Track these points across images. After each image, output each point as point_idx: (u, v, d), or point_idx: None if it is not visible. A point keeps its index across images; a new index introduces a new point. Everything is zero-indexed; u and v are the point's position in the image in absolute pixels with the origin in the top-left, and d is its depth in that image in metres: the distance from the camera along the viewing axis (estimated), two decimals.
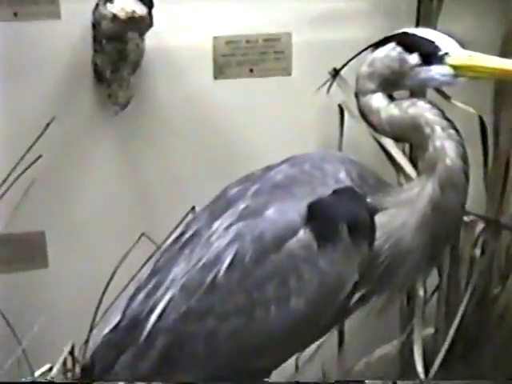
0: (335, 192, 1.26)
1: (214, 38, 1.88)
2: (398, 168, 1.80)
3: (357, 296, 1.29)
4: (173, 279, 1.27)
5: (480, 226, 1.87)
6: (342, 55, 1.76)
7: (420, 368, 1.78)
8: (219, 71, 1.90)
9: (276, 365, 1.32)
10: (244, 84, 1.92)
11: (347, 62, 1.36)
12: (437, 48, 1.25)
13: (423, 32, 1.28)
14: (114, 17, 1.59)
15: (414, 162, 1.77)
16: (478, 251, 1.87)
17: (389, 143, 1.80)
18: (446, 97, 1.69)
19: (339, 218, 1.24)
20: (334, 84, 1.83)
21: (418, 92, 1.37)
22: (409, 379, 1.84)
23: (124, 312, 1.31)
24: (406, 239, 1.25)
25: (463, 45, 1.27)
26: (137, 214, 1.91)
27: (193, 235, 1.32)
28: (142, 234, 1.81)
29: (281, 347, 1.28)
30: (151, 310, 1.27)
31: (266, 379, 1.33)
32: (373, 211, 1.26)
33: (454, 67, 1.25)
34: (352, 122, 1.82)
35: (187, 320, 1.25)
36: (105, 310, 1.74)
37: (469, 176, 1.25)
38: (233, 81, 1.91)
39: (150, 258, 1.72)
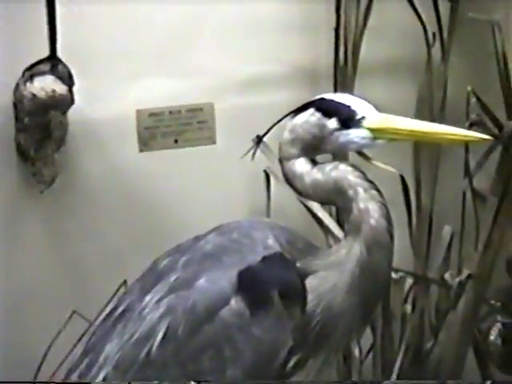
0: (264, 258, 1.26)
1: (137, 110, 1.90)
2: (327, 230, 1.82)
3: (293, 361, 1.29)
4: (106, 357, 1.25)
5: (409, 282, 1.90)
6: (265, 121, 1.77)
7: None
8: (144, 144, 1.91)
9: None
10: (169, 155, 1.93)
11: (269, 129, 1.37)
12: (354, 112, 1.28)
13: (340, 97, 1.31)
14: (34, 96, 1.59)
15: (341, 223, 1.80)
16: (408, 307, 1.89)
17: (316, 206, 1.82)
18: (367, 158, 1.73)
19: (270, 285, 1.24)
20: (259, 151, 1.85)
21: (339, 155, 1.41)
22: None
23: None
24: (337, 301, 1.26)
25: (379, 109, 1.30)
26: (68, 291, 1.88)
27: (125, 310, 1.30)
28: (74, 312, 1.78)
29: None
30: None
31: None
32: (303, 275, 1.27)
33: (372, 130, 1.28)
34: (279, 188, 1.84)
35: None
36: None
37: (393, 235, 1.27)
38: (158, 152, 1.92)
39: (83, 335, 1.68)
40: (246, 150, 1.84)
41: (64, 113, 1.72)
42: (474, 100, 1.80)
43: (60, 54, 1.71)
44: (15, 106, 1.75)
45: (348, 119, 1.28)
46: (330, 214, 1.86)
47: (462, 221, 1.93)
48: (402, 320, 1.89)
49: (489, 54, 1.85)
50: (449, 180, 1.99)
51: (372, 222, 1.26)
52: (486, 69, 1.94)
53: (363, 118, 1.28)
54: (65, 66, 1.66)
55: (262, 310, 1.23)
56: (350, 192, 1.27)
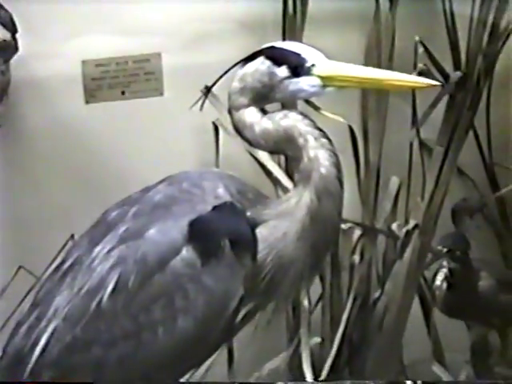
0: (215, 208, 1.26)
1: (83, 61, 1.87)
2: (275, 181, 1.83)
3: (244, 311, 1.29)
4: (55, 309, 1.23)
5: (357, 233, 1.93)
6: (214, 73, 1.76)
7: (309, 377, 1.81)
8: (90, 95, 1.88)
9: None
10: (116, 106, 1.91)
11: (218, 79, 1.36)
12: (303, 60, 1.27)
13: (290, 45, 1.30)
14: None
15: (290, 174, 1.80)
16: (356, 258, 1.92)
17: (265, 158, 1.83)
18: (316, 107, 1.73)
19: (221, 234, 1.24)
20: (208, 102, 1.84)
21: (289, 104, 1.40)
22: None
23: (5, 349, 1.26)
24: (288, 250, 1.27)
25: (328, 57, 1.29)
26: (13, 247, 1.85)
27: (73, 263, 1.28)
28: (20, 267, 1.76)
29: (170, 369, 1.26)
30: (34, 344, 1.22)
31: None
32: (253, 224, 1.27)
33: (322, 78, 1.28)
34: (227, 139, 1.83)
35: (73, 350, 1.21)
36: None
37: (343, 184, 1.28)
38: (105, 104, 1.89)
39: (30, 290, 1.66)
40: (194, 101, 1.84)
41: (6, 61, 1.67)
42: (421, 50, 1.81)
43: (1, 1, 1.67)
44: None
45: (298, 67, 1.28)
46: (279, 165, 1.86)
47: (409, 171, 1.96)
48: (350, 270, 1.91)
49: (436, 4, 1.86)
50: (396, 131, 2.00)
51: (322, 170, 1.26)
52: (433, 19, 1.95)
53: (313, 65, 1.27)
54: (6, 11, 1.61)
55: (213, 260, 1.23)
56: (300, 140, 1.27)
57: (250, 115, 1.30)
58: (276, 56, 1.29)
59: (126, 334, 1.21)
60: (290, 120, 1.28)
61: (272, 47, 1.30)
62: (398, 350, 1.95)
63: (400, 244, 1.88)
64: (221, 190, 1.29)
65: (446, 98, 1.86)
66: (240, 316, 1.28)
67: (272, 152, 1.39)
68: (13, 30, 1.56)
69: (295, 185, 1.29)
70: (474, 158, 2.08)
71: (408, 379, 2.05)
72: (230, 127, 1.34)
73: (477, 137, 2.06)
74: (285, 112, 1.29)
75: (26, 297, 1.66)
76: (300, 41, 1.84)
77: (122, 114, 1.91)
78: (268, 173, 1.83)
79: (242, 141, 1.33)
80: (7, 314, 1.65)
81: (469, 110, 1.83)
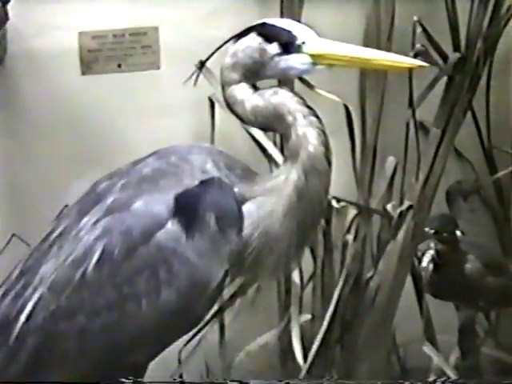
0: (202, 183, 1.26)
1: (80, 32, 1.86)
2: (270, 158, 1.83)
3: (232, 287, 1.30)
4: (41, 278, 1.25)
5: (352, 212, 1.92)
6: (211, 49, 1.77)
7: (299, 354, 1.82)
8: (86, 66, 1.88)
9: (150, 359, 1.30)
10: (112, 79, 1.90)
11: (212, 54, 1.37)
12: (294, 37, 1.27)
13: (282, 22, 1.29)
14: None
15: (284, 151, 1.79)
16: (350, 237, 1.91)
17: (259, 134, 1.82)
18: (310, 86, 1.72)
19: (206, 209, 1.24)
20: (204, 77, 1.83)
21: (284, 82, 1.40)
22: (288, 365, 1.87)
23: None
24: (274, 226, 1.27)
25: (323, 35, 1.28)
26: (8, 215, 1.86)
27: (62, 232, 1.30)
28: (13, 235, 1.77)
29: (153, 340, 1.27)
30: (20, 311, 1.24)
31: (142, 374, 1.32)
32: (240, 200, 1.27)
33: (312, 55, 1.27)
34: (224, 115, 1.83)
35: (57, 318, 1.23)
36: None
37: (331, 162, 1.28)
38: (101, 76, 1.89)
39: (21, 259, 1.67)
40: (190, 76, 1.84)
41: None
42: (419, 30, 1.80)
43: None
44: None
45: (288, 44, 1.28)
46: (275, 143, 1.86)
47: (405, 152, 1.95)
48: (343, 249, 1.91)
49: None
50: (393, 111, 1.99)
51: (310, 147, 1.26)
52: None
53: (303, 43, 1.28)
54: None
55: (198, 234, 1.23)
56: (289, 118, 1.27)
57: (241, 91, 1.31)
58: (267, 33, 1.29)
59: (110, 304, 1.22)
60: (280, 97, 1.28)
61: (264, 24, 1.30)
62: (390, 328, 1.95)
63: (394, 224, 1.88)
64: (209, 165, 1.29)
65: (444, 80, 1.85)
66: (230, 292, 1.28)
67: (262, 129, 1.40)
68: (4, 0, 1.56)
69: (284, 162, 1.30)
70: (473, 141, 2.07)
71: (399, 358, 2.06)
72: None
73: (475, 119, 2.04)
74: (275, 89, 1.29)
75: (17, 265, 1.66)
76: (298, 18, 1.83)
77: (117, 87, 1.90)
78: (263, 149, 1.83)
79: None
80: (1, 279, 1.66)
81: (467, 93, 1.82)
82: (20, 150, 1.86)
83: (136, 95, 1.91)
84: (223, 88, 1.32)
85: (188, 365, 1.89)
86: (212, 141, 1.87)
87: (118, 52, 1.89)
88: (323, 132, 1.28)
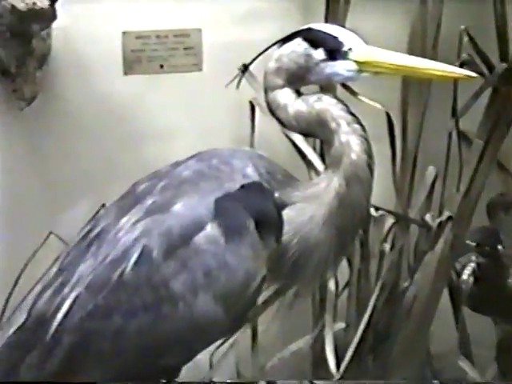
0: (243, 187, 1.26)
1: (124, 33, 1.87)
2: (309, 164, 1.82)
3: (268, 292, 1.29)
4: (79, 277, 1.25)
5: (389, 221, 1.91)
6: (254, 52, 1.76)
7: (331, 362, 1.80)
8: (129, 67, 1.89)
9: (184, 362, 1.30)
10: (154, 80, 1.91)
11: (255, 58, 1.36)
12: (341, 43, 1.27)
13: (328, 28, 1.29)
14: (14, 8, 1.56)
15: (324, 157, 1.78)
16: (387, 246, 1.90)
17: (299, 139, 1.82)
18: (354, 93, 1.71)
19: (246, 213, 1.24)
20: (246, 80, 1.83)
21: (327, 88, 1.39)
22: (321, 373, 1.85)
23: (29, 311, 1.28)
24: (314, 233, 1.26)
25: (368, 41, 1.28)
26: (45, 212, 1.87)
27: (100, 232, 1.29)
28: (51, 233, 1.78)
29: (188, 344, 1.26)
30: (57, 309, 1.24)
31: (175, 377, 1.32)
32: (280, 206, 1.27)
33: (358, 62, 1.27)
34: (264, 118, 1.82)
35: (93, 318, 1.22)
36: (12, 312, 1.69)
37: (373, 170, 1.27)
38: (143, 77, 1.90)
39: (59, 257, 1.68)
40: (232, 78, 1.84)
41: (45, 28, 1.69)
42: (466, 39, 1.78)
43: None
44: None
45: (334, 50, 1.27)
46: (314, 148, 1.85)
47: (446, 162, 1.93)
48: (380, 259, 1.90)
49: None
50: (436, 120, 1.97)
51: (353, 155, 1.25)
52: (481, 8, 1.91)
53: (350, 49, 1.27)
54: None
55: (237, 238, 1.23)
56: (333, 124, 1.26)
57: (284, 96, 1.30)
58: (313, 38, 1.28)
59: (147, 305, 1.22)
60: (324, 103, 1.27)
61: (310, 29, 1.30)
62: (425, 340, 1.93)
63: (432, 235, 1.86)
64: (250, 169, 1.29)
65: (489, 90, 1.82)
66: (264, 297, 1.28)
67: (304, 134, 1.40)
68: None
69: (325, 169, 1.29)
70: None
71: (433, 372, 2.04)
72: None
73: None
74: (319, 95, 1.29)
75: (54, 263, 1.67)
76: (343, 24, 1.82)
77: (159, 88, 1.91)
78: (302, 155, 1.82)
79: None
80: (36, 278, 1.67)
81: None
82: (60, 148, 1.87)
83: (177, 96, 1.91)
84: (266, 92, 1.32)
85: (219, 369, 1.89)
86: (251, 144, 1.87)
87: (161, 53, 1.90)
88: (366, 140, 1.27)
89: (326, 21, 1.87)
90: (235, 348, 1.86)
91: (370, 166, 1.27)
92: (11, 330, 1.28)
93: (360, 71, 1.28)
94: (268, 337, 1.93)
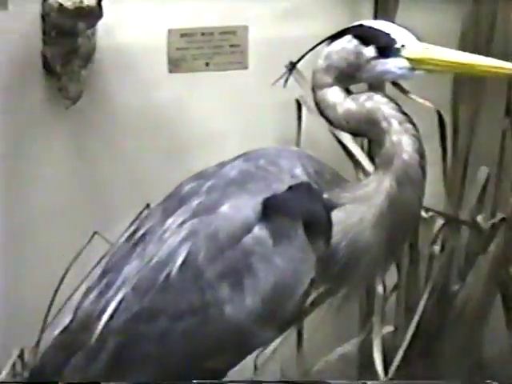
0: (291, 188, 1.24)
1: (169, 30, 1.85)
2: (357, 163, 1.79)
3: (315, 294, 1.27)
4: (125, 278, 1.24)
5: (439, 222, 1.87)
6: (300, 49, 1.73)
7: (379, 366, 1.78)
8: (174, 65, 1.87)
9: (231, 365, 1.29)
10: (199, 78, 1.89)
11: (303, 55, 1.34)
12: (393, 40, 1.24)
13: (379, 24, 1.27)
14: (61, 7, 1.57)
15: (372, 157, 1.75)
16: (437, 248, 1.87)
17: (347, 138, 1.79)
18: (404, 91, 1.68)
19: (295, 215, 1.22)
20: (292, 78, 1.81)
21: (375, 86, 1.37)
22: (369, 378, 1.82)
23: (75, 313, 1.27)
24: (364, 235, 1.24)
25: (420, 38, 1.25)
26: (89, 212, 1.87)
27: (145, 233, 1.28)
28: (95, 233, 1.78)
29: (235, 347, 1.25)
30: (102, 311, 1.23)
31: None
32: (329, 207, 1.24)
33: (411, 60, 1.24)
34: (310, 117, 1.80)
35: (139, 320, 1.21)
36: (56, 312, 1.70)
37: (426, 171, 1.24)
38: (188, 75, 1.88)
39: (104, 257, 1.68)
40: (278, 76, 1.81)
41: (91, 27, 1.69)
42: None
43: None
44: (43, 17, 1.73)
45: (386, 47, 1.25)
46: (362, 148, 1.82)
47: (500, 162, 1.89)
48: (430, 260, 1.86)
49: None
50: (489, 118, 1.93)
51: (404, 156, 1.23)
52: None
53: (403, 46, 1.24)
54: None
55: (285, 240, 1.21)
56: (384, 124, 1.24)
57: (334, 95, 1.28)
58: (364, 35, 1.26)
59: (193, 308, 1.20)
60: (375, 102, 1.25)
61: (360, 25, 1.28)
62: (477, 345, 1.89)
63: (484, 237, 1.82)
64: (298, 170, 1.27)
65: None
66: (310, 299, 1.26)
67: (353, 134, 1.38)
68: None
69: (375, 169, 1.27)
70: None
71: (486, 378, 1.99)
72: (314, 105, 1.31)
73: None
74: (369, 94, 1.26)
75: (98, 263, 1.67)
76: (392, 19, 1.78)
77: (204, 86, 1.89)
78: (350, 154, 1.79)
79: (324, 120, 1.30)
80: (81, 277, 1.67)
81: None
82: (104, 147, 1.87)
83: (222, 94, 1.90)
84: (314, 91, 1.30)
85: (264, 372, 1.87)
86: (297, 143, 1.85)
87: (206, 50, 1.88)
88: (418, 140, 1.24)
89: (375, 17, 1.85)
90: (280, 351, 1.84)
91: (423, 167, 1.24)
92: (56, 331, 1.28)
93: (413, 69, 1.25)
94: (313, 340, 1.91)
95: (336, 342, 1.99)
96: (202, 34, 1.88)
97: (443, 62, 1.24)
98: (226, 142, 1.85)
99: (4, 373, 1.65)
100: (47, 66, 1.77)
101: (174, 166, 1.85)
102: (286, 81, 1.63)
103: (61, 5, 1.55)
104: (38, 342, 1.69)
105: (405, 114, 1.25)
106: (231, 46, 1.90)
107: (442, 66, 1.25)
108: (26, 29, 1.74)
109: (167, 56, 1.86)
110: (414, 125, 1.24)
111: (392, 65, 1.25)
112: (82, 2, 1.53)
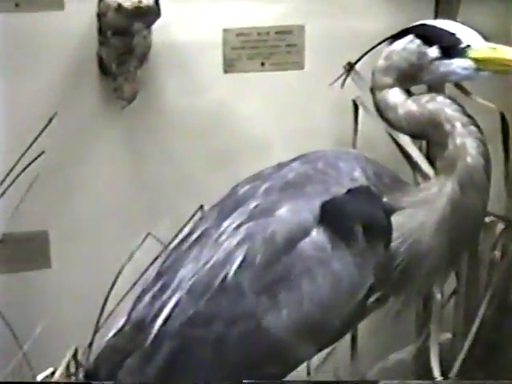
0: (350, 191, 1.22)
1: (224, 30, 1.84)
2: (415, 166, 1.75)
3: (372, 299, 1.24)
4: (180, 281, 1.23)
5: (500, 227, 1.83)
6: (357, 48, 1.72)
7: (437, 374, 1.73)
8: (229, 65, 1.86)
9: (287, 371, 1.26)
10: (255, 78, 1.88)
11: (362, 56, 1.32)
12: (458, 40, 1.22)
13: (443, 24, 1.24)
14: (120, 7, 1.56)
15: (431, 159, 1.71)
16: (497, 253, 1.82)
17: (404, 140, 1.75)
18: (466, 92, 1.64)
19: (354, 218, 1.19)
20: (349, 79, 1.78)
21: (436, 87, 1.33)
22: None
23: (129, 315, 1.27)
24: (424, 240, 1.21)
25: (485, 37, 1.22)
26: (143, 213, 1.87)
27: (201, 235, 1.27)
28: (149, 234, 1.77)
29: (292, 353, 1.22)
30: (157, 314, 1.22)
31: None
32: (389, 211, 1.22)
33: (476, 60, 1.21)
34: (367, 118, 1.77)
35: (194, 324, 1.20)
36: (109, 313, 1.69)
37: (490, 175, 1.21)
38: (243, 75, 1.87)
39: (157, 258, 1.67)
40: (335, 77, 1.79)
41: (148, 26, 1.68)
42: None
43: None
44: (99, 17, 1.74)
45: (451, 48, 1.22)
46: (420, 150, 1.78)
47: None
48: (490, 267, 1.81)
49: None
50: None
51: (468, 159, 1.20)
52: None
53: (468, 46, 1.21)
54: None
55: (344, 245, 1.19)
56: (447, 126, 1.21)
57: (394, 96, 1.25)
58: (427, 35, 1.23)
59: (249, 312, 1.19)
60: (437, 104, 1.22)
61: (423, 25, 1.25)
62: None
63: None
64: (357, 173, 1.25)
65: None
66: (371, 301, 1.23)
67: (414, 136, 1.36)
68: None
69: (437, 173, 1.24)
70: None
71: None
72: (371, 106, 1.29)
73: None
74: (432, 95, 1.24)
75: (151, 264, 1.67)
76: (454, 19, 1.74)
77: (260, 86, 1.88)
78: (407, 157, 1.75)
79: (382, 121, 1.28)
80: (134, 278, 1.67)
81: None
82: (158, 147, 1.87)
83: (278, 95, 1.88)
84: (373, 91, 1.27)
85: (317, 377, 1.84)
86: (354, 145, 1.82)
87: (262, 50, 1.87)
88: (483, 143, 1.21)
89: (436, 17, 1.80)
90: (333, 356, 1.81)
91: (487, 171, 1.21)
92: (111, 334, 1.27)
93: (478, 70, 1.22)
94: (368, 345, 1.87)
95: (391, 348, 1.97)
96: (258, 33, 1.86)
97: (511, 62, 1.20)
98: (280, 143, 1.83)
99: (58, 373, 1.65)
100: (103, 67, 1.77)
101: (227, 167, 1.85)
102: (344, 81, 1.63)
103: (119, 5, 1.55)
104: (90, 343, 1.69)
105: (469, 116, 1.22)
106: (287, 45, 1.88)
107: (509, 66, 1.21)
108: (82, 29, 1.75)
109: (222, 56, 1.86)
110: (478, 127, 1.21)
111: (457, 65, 1.22)
112: (140, 1, 1.53)
